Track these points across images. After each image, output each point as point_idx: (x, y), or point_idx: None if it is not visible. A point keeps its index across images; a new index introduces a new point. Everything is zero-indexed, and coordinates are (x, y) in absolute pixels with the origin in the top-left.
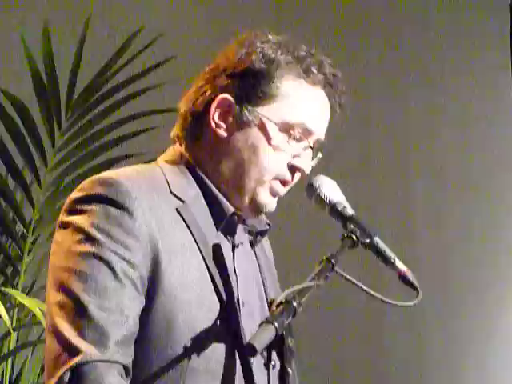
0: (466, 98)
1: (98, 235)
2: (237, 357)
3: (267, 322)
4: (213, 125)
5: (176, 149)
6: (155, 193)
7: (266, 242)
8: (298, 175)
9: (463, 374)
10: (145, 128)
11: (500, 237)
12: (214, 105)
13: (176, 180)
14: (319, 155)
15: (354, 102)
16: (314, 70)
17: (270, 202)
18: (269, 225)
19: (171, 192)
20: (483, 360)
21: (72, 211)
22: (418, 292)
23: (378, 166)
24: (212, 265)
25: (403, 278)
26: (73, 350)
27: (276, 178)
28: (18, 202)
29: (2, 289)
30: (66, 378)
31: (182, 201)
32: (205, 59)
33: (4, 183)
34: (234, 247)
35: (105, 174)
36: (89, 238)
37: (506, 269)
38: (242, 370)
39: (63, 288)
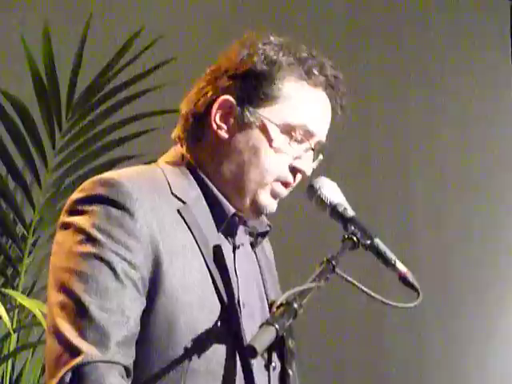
0: (465, 98)
1: (99, 236)
2: (237, 358)
3: (268, 323)
4: (214, 126)
5: (177, 150)
6: (156, 194)
7: (266, 244)
8: (299, 177)
9: (463, 374)
10: (145, 129)
11: (500, 237)
12: (215, 106)
13: (177, 181)
14: (320, 157)
15: (354, 102)
16: (316, 72)
17: (270, 204)
18: (269, 226)
19: (172, 193)
20: (483, 360)
21: (73, 212)
22: (418, 293)
23: (378, 166)
24: (213, 266)
25: (404, 279)
26: (74, 351)
27: (277, 180)
28: (19, 203)
29: (3, 290)
30: (67, 379)
31: (183, 202)
32: (205, 61)
33: (4, 184)
34: (234, 248)
35: (106, 175)
36: (90, 239)
37: (506, 269)
38: (243, 372)
39: (64, 288)
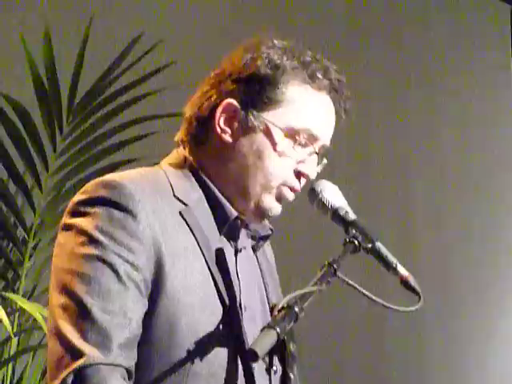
0: (466, 98)
1: (101, 238)
2: (239, 361)
3: (269, 327)
4: (218, 130)
5: (180, 152)
6: (158, 196)
7: (267, 247)
8: (303, 181)
9: (464, 374)
10: (146, 133)
11: (500, 237)
12: (219, 110)
13: (179, 183)
14: (324, 161)
15: (355, 102)
16: (320, 76)
17: (274, 207)
18: (271, 230)
19: (174, 195)
20: (483, 360)
21: (75, 213)
22: (419, 297)
23: (378, 166)
24: (215, 269)
25: (405, 283)
26: (76, 353)
27: (284, 184)
28: (19, 206)
29: (3, 293)
30: (69, 381)
31: (185, 204)
32: (205, 64)
33: (5, 187)
34: (236, 252)
35: (108, 177)
36: (92, 241)
37: (506, 269)
38: (244, 375)
39: (66, 290)
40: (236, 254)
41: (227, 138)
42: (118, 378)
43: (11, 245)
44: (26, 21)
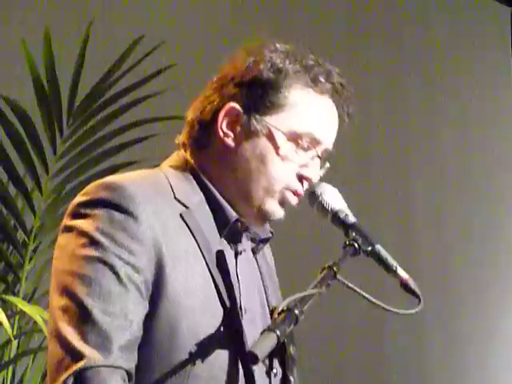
0: (466, 98)
1: (102, 239)
2: (239, 364)
3: (269, 329)
4: (220, 134)
5: (180, 154)
6: (159, 198)
7: (267, 250)
8: (305, 185)
9: (464, 374)
10: (146, 135)
11: (500, 237)
12: (221, 114)
13: (180, 185)
14: (327, 165)
15: (355, 102)
16: (322, 79)
17: (277, 211)
18: (271, 233)
19: (175, 197)
20: (484, 360)
21: (76, 215)
22: (419, 300)
23: (378, 166)
24: (215, 271)
25: (405, 285)
26: (76, 355)
27: (287, 188)
28: (19, 209)
29: (3, 296)
30: (69, 383)
31: (186, 207)
32: (206, 67)
33: (5, 190)
34: (236, 254)
35: (109, 179)
36: (93, 242)
37: (506, 269)
38: (245, 378)
39: (67, 292)
40: (236, 257)
41: (230, 141)
42: (119, 380)
43: (11, 247)
44: (26, 23)
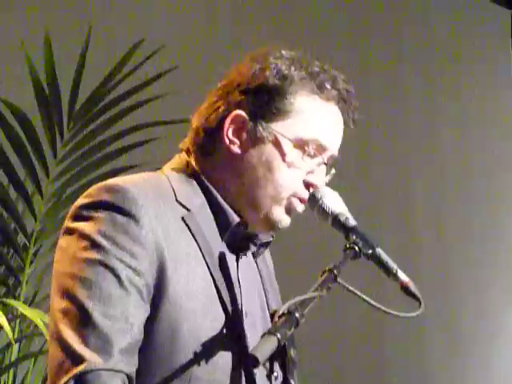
0: (466, 98)
1: (103, 242)
2: (241, 367)
3: (269, 332)
4: (226, 141)
5: (182, 157)
6: (161, 201)
7: (267, 253)
8: (311, 191)
9: (466, 375)
10: (147, 139)
11: (500, 237)
12: (227, 121)
13: (182, 188)
14: (333, 171)
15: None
16: (328, 86)
17: (284, 219)
18: (272, 236)
19: (177, 200)
20: (485, 361)
21: (78, 217)
22: (420, 303)
23: (378, 166)
24: (217, 275)
25: (405, 289)
26: (76, 358)
27: (294, 196)
28: (20, 212)
29: (4, 300)
30: None
31: (188, 209)
32: (206, 70)
33: (5, 193)
34: (237, 258)
35: (111, 181)
36: (95, 245)
37: (506, 269)
38: (246, 381)
39: (67, 294)
40: (237, 260)
41: (236, 149)
42: (119, 383)
43: (12, 251)
44: (27, 26)
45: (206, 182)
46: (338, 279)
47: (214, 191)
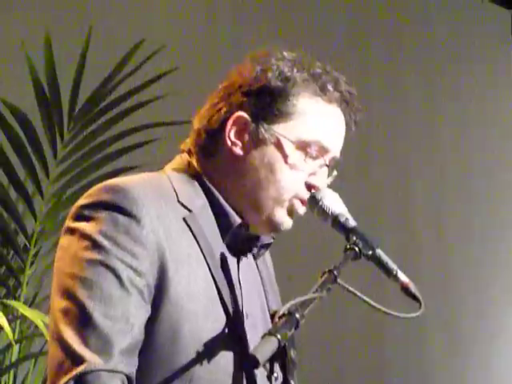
0: (466, 98)
1: (104, 242)
2: (242, 368)
3: (270, 333)
4: (228, 143)
5: (183, 157)
6: (163, 201)
7: (267, 255)
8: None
9: (466, 375)
10: (147, 140)
11: (500, 237)
12: (229, 122)
13: (183, 189)
14: (334, 173)
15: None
16: (330, 88)
17: (286, 221)
18: (273, 238)
19: (179, 201)
20: (486, 361)
21: (79, 217)
22: (420, 304)
23: (378, 166)
24: (218, 276)
25: (405, 289)
26: (76, 359)
27: (295, 197)
28: (20, 213)
29: (4, 301)
30: None
31: (189, 210)
32: (207, 71)
33: (6, 194)
34: (238, 259)
35: (112, 181)
36: (96, 245)
37: (506, 269)
38: (247, 382)
39: (68, 294)
40: (238, 262)
41: (238, 150)
42: None
43: (12, 252)
44: (27, 26)
45: (207, 183)
46: (338, 280)
47: (216, 192)
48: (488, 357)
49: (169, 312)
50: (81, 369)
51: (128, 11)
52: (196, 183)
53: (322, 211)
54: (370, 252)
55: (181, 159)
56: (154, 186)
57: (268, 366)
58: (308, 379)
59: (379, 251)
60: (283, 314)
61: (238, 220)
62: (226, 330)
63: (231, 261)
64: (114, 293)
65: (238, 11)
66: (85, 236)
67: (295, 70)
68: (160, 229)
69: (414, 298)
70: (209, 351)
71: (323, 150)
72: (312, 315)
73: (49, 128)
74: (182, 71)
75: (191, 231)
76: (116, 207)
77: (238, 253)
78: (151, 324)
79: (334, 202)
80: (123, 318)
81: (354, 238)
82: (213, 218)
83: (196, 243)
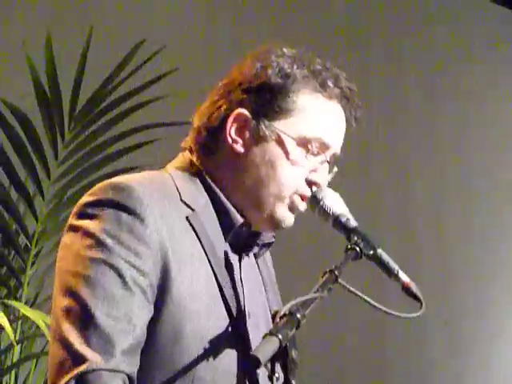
0: (466, 98)
1: (108, 241)
2: (244, 368)
3: (271, 333)
4: (229, 140)
5: (185, 156)
6: (166, 201)
7: (267, 254)
8: (314, 190)
9: (467, 375)
10: (148, 140)
11: (500, 237)
12: (230, 120)
13: (186, 187)
14: (335, 169)
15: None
16: (331, 84)
17: (288, 218)
18: (274, 237)
19: (182, 200)
20: (486, 361)
21: (82, 215)
22: (421, 304)
23: (378, 166)
24: (220, 275)
25: (406, 289)
26: (78, 358)
27: (296, 193)
28: (21, 214)
29: (6, 301)
30: None
31: (192, 209)
32: (207, 71)
33: (7, 195)
34: (240, 258)
35: (116, 179)
36: (99, 244)
37: (506, 269)
38: (248, 382)
39: (70, 293)
40: (240, 261)
41: (239, 147)
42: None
43: (13, 252)
44: (28, 27)
45: (209, 180)
46: (339, 280)
47: (217, 190)
48: (488, 357)
49: (171, 312)
50: (82, 368)
51: (128, 12)
52: (198, 181)
53: (323, 211)
54: (371, 252)
55: (183, 157)
56: (158, 185)
57: (269, 365)
58: (309, 379)
59: (380, 251)
60: (284, 314)
61: (240, 219)
62: (228, 330)
63: (233, 260)
64: (117, 292)
65: (238, 11)
66: (88, 234)
67: (295, 67)
68: (163, 228)
69: (416, 297)
70: (211, 350)
71: (324, 147)
72: (313, 315)
73: (49, 128)
74: (182, 72)
75: (194, 230)
76: (120, 206)
77: (240, 252)
78: (153, 324)
79: (335, 203)
80: (126, 317)
81: (355, 238)
82: (215, 216)
83: (199, 242)
